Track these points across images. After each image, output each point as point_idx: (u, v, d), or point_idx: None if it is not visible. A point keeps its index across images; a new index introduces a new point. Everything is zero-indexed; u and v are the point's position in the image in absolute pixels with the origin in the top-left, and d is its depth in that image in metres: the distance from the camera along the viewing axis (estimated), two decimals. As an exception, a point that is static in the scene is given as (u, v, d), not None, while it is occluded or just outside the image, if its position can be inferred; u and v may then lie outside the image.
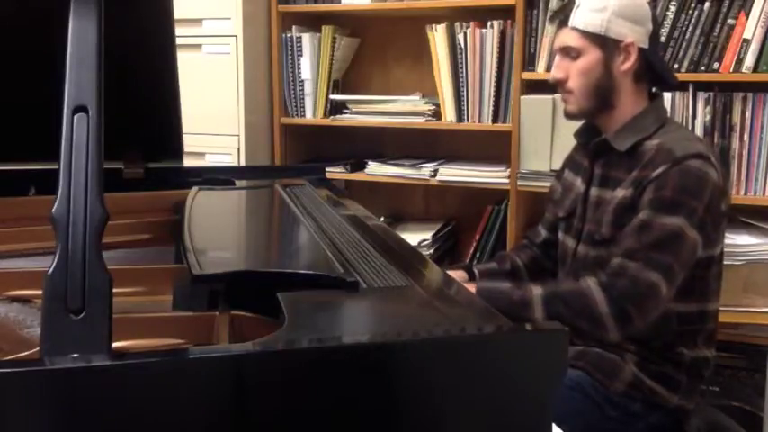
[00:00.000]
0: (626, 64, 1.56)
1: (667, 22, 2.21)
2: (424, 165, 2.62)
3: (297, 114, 2.78)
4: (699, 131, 2.21)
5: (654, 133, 1.57)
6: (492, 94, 2.47)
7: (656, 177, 1.48)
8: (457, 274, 1.78)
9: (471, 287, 1.53)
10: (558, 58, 1.63)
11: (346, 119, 2.71)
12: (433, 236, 2.66)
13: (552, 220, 1.81)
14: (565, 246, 1.71)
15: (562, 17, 1.60)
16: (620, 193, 1.54)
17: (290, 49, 2.73)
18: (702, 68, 2.20)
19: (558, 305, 1.46)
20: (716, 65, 2.18)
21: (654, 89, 1.67)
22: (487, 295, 1.49)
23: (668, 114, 1.69)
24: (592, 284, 1.45)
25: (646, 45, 1.56)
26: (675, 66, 2.22)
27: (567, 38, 1.59)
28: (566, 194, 1.73)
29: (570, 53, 1.59)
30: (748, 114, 2.18)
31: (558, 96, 2.19)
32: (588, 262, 1.60)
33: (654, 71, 1.60)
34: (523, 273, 1.85)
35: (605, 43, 1.55)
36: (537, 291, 1.49)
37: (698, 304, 1.55)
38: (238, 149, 2.67)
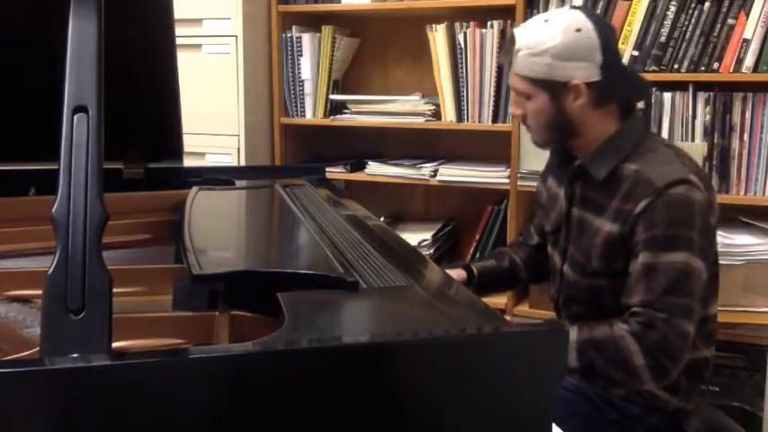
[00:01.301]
0: (578, 101, 1.50)
1: (667, 22, 2.21)
2: (424, 165, 2.62)
3: (297, 114, 2.78)
4: (699, 131, 2.21)
5: (630, 153, 1.52)
6: (492, 94, 2.47)
7: (642, 213, 1.44)
8: (455, 273, 1.77)
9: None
10: (513, 95, 1.60)
11: (346, 119, 2.71)
12: (433, 236, 2.66)
13: (541, 225, 1.79)
14: (553, 260, 1.70)
15: (507, 58, 1.56)
16: (606, 225, 1.51)
17: (290, 49, 2.73)
18: (702, 68, 2.20)
19: (592, 353, 1.43)
20: (716, 65, 2.18)
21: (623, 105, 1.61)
22: None
23: (643, 128, 1.64)
24: (626, 335, 1.41)
25: (597, 77, 1.48)
26: (675, 66, 2.22)
27: (515, 81, 1.55)
28: (551, 205, 1.70)
29: (521, 94, 1.55)
30: (748, 114, 2.18)
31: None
32: (581, 288, 1.58)
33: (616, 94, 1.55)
34: (521, 270, 1.85)
35: (551, 86, 1.50)
36: (572, 335, 1.45)
37: (700, 310, 1.55)
38: (238, 149, 2.67)
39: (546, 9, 2.36)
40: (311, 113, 2.76)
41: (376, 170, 2.68)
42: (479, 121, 2.51)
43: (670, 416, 1.59)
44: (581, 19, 1.49)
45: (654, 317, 1.40)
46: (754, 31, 2.13)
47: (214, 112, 2.63)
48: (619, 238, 1.48)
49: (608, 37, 1.50)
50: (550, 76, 1.49)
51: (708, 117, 2.20)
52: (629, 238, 1.46)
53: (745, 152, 2.19)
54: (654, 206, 1.43)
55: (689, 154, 1.60)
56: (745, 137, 2.18)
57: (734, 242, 2.16)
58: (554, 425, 0.97)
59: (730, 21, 2.16)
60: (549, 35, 1.47)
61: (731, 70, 2.17)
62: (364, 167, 2.71)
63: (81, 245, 0.79)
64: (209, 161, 2.66)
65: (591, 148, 1.55)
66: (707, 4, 2.18)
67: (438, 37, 2.52)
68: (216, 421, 0.74)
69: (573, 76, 1.48)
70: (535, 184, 2.36)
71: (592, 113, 1.52)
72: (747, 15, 2.14)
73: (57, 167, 0.83)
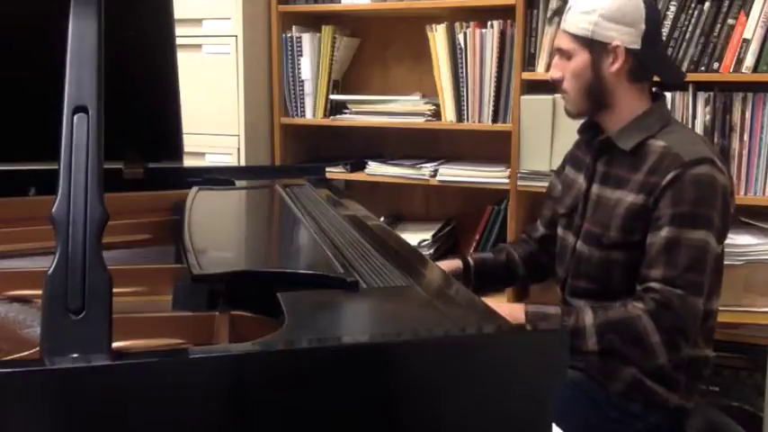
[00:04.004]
0: (614, 66, 1.56)
1: (667, 22, 2.21)
2: (424, 165, 2.62)
3: (297, 114, 2.78)
4: (699, 131, 2.21)
5: (658, 132, 1.57)
6: (492, 94, 2.47)
7: (669, 186, 1.48)
8: (451, 263, 1.80)
9: (519, 308, 1.53)
10: (556, 57, 1.65)
11: (346, 119, 2.71)
12: (433, 236, 2.66)
13: (550, 216, 1.82)
14: (564, 242, 1.71)
15: (558, 19, 1.62)
16: (629, 197, 1.54)
17: (290, 49, 2.73)
18: (702, 68, 2.20)
19: (611, 336, 1.47)
20: (716, 65, 2.18)
21: (655, 89, 1.67)
22: (536, 319, 1.50)
23: (670, 114, 1.69)
24: (642, 314, 1.45)
25: (637, 46, 1.56)
26: (675, 66, 2.22)
27: (560, 40, 1.62)
28: (567, 191, 1.73)
29: (564, 54, 1.61)
30: (748, 114, 2.18)
31: (558, 96, 2.19)
32: (593, 262, 1.60)
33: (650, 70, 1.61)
34: (519, 266, 1.86)
35: (593, 46, 1.57)
36: (588, 320, 1.48)
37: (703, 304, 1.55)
38: (238, 149, 2.67)
39: (546, 9, 2.36)
40: (311, 113, 2.76)
41: (376, 170, 2.68)
42: (479, 121, 2.51)
43: (670, 414, 1.59)
44: None
45: (672, 294, 1.45)
46: (754, 31, 2.13)
47: (214, 112, 2.63)
48: (642, 209, 1.52)
49: (654, 12, 1.59)
50: (594, 35, 1.56)
51: (708, 117, 2.20)
52: (653, 209, 1.50)
53: (745, 152, 2.19)
54: (681, 181, 1.48)
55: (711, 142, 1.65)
56: (745, 137, 2.18)
57: (734, 242, 2.16)
58: (554, 424, 0.97)
59: (730, 21, 2.16)
60: None
61: (731, 70, 2.17)
62: (364, 167, 2.71)
63: (81, 245, 0.79)
64: (209, 161, 2.66)
65: (621, 124, 1.60)
66: (707, 4, 2.18)
67: (438, 37, 2.52)
68: (216, 421, 0.74)
69: (614, 38, 1.55)
70: (535, 183, 2.38)
71: (626, 87, 1.59)
72: (747, 15, 2.14)
73: (57, 167, 0.83)
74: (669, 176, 1.49)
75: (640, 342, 1.45)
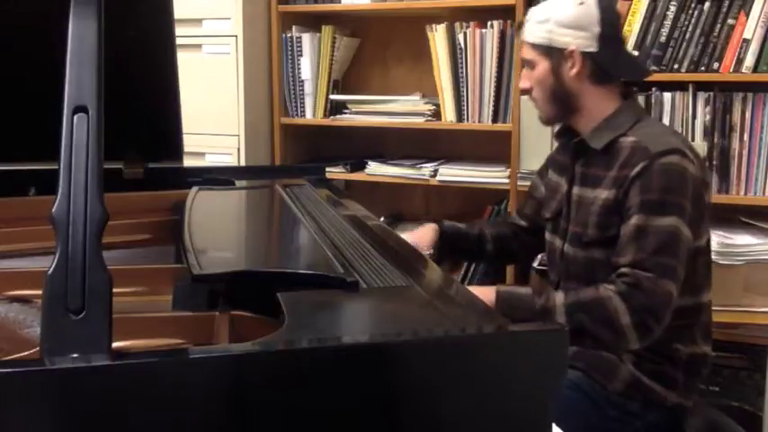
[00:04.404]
0: (574, 70, 1.60)
1: (667, 22, 2.21)
2: (424, 165, 2.62)
3: (297, 114, 2.78)
4: (699, 131, 2.21)
5: (629, 129, 1.60)
6: (492, 94, 2.47)
7: (637, 176, 1.51)
8: (427, 228, 1.85)
9: (491, 290, 1.55)
10: (524, 69, 1.70)
11: (346, 119, 2.71)
12: (433, 236, 2.66)
13: (528, 213, 1.88)
14: (553, 246, 1.73)
15: (519, 32, 1.69)
16: (603, 193, 1.57)
17: (290, 49, 2.73)
18: (702, 68, 2.20)
19: (580, 315, 1.47)
20: (716, 65, 2.18)
21: (625, 88, 1.69)
22: (507, 299, 1.52)
23: (643, 111, 1.74)
24: (612, 295, 1.46)
25: (594, 48, 1.59)
26: (675, 66, 2.22)
27: (523, 51, 1.67)
28: (552, 195, 1.76)
29: (529, 64, 1.66)
30: (748, 114, 2.18)
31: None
32: (579, 263, 1.62)
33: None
34: (488, 242, 1.89)
35: (551, 53, 1.61)
36: (559, 299, 1.50)
37: (691, 297, 1.56)
38: (238, 149, 2.67)
39: (546, 9, 2.36)
40: (311, 113, 2.76)
41: (376, 170, 2.68)
42: (479, 121, 2.51)
43: (668, 412, 1.60)
44: None
45: (641, 276, 1.46)
46: (754, 31, 2.13)
47: (214, 112, 2.63)
48: (614, 203, 1.54)
49: (609, 14, 1.61)
50: (551, 43, 1.60)
51: (708, 117, 2.20)
52: (624, 201, 1.53)
53: (745, 152, 2.19)
54: (649, 170, 1.50)
55: (684, 136, 1.69)
56: (745, 137, 2.18)
57: (734, 242, 2.16)
58: (554, 424, 0.97)
59: (730, 21, 2.16)
60: (555, 5, 1.61)
61: (731, 70, 2.17)
62: (364, 167, 2.71)
63: (81, 245, 0.79)
64: (209, 161, 2.66)
65: (592, 125, 1.63)
66: (707, 4, 2.18)
67: (438, 37, 2.52)
68: (216, 421, 0.74)
69: (570, 43, 1.59)
70: (535, 183, 2.38)
71: (591, 89, 1.62)
72: (747, 15, 2.14)
73: (57, 167, 0.83)
74: (638, 168, 1.51)
75: (611, 323, 1.45)
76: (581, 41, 1.58)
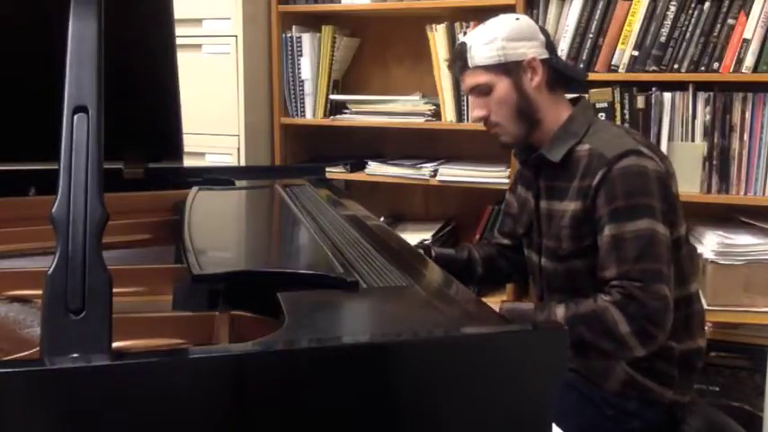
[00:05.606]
0: (535, 79, 1.60)
1: (667, 22, 2.21)
2: (424, 165, 2.62)
3: (297, 114, 2.78)
4: (699, 131, 2.21)
5: (583, 136, 1.60)
6: (492, 94, 2.47)
7: (599, 186, 1.50)
8: None
9: (494, 306, 1.54)
10: (472, 99, 1.68)
11: (346, 119, 2.71)
12: (433, 236, 2.66)
13: (508, 231, 1.87)
14: (531, 261, 1.74)
15: (459, 63, 1.64)
16: (570, 205, 1.57)
17: (290, 49, 2.73)
18: (702, 68, 2.20)
19: (580, 328, 1.47)
20: (716, 65, 2.18)
21: (570, 93, 1.70)
22: (509, 315, 1.52)
23: (593, 114, 1.72)
24: (609, 305, 1.46)
25: (546, 54, 1.61)
26: (675, 66, 2.22)
27: (474, 78, 1.63)
28: (522, 210, 1.76)
29: (482, 90, 1.63)
30: (748, 114, 2.18)
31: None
32: (559, 275, 1.63)
33: (563, 75, 1.65)
34: (478, 265, 1.87)
35: (509, 68, 1.60)
36: (560, 313, 1.50)
37: (678, 289, 1.56)
38: (238, 149, 2.67)
39: (546, 9, 2.36)
40: (311, 113, 2.76)
41: (376, 170, 2.68)
42: (479, 121, 2.51)
43: (666, 409, 1.60)
44: (514, 14, 1.69)
45: (631, 287, 1.46)
46: (754, 31, 2.13)
47: (214, 112, 2.63)
48: (582, 214, 1.54)
49: (538, 24, 1.68)
50: (507, 58, 1.59)
51: (708, 117, 2.20)
52: (592, 212, 1.53)
53: (745, 152, 2.19)
54: (609, 178, 1.50)
55: (639, 133, 1.70)
56: (745, 137, 2.18)
57: (734, 242, 2.17)
58: (553, 424, 0.97)
59: (730, 21, 2.16)
60: (493, 26, 1.62)
61: (731, 70, 2.17)
62: (364, 167, 2.71)
63: (81, 245, 0.79)
64: (209, 161, 2.66)
65: (548, 138, 1.63)
66: (707, 4, 2.18)
67: (438, 37, 2.52)
68: (216, 421, 0.74)
69: (526, 53, 1.59)
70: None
71: (547, 98, 1.63)
72: (747, 15, 2.14)
73: (57, 167, 0.83)
74: (598, 177, 1.51)
75: (610, 333, 1.45)
76: (535, 50, 1.60)
